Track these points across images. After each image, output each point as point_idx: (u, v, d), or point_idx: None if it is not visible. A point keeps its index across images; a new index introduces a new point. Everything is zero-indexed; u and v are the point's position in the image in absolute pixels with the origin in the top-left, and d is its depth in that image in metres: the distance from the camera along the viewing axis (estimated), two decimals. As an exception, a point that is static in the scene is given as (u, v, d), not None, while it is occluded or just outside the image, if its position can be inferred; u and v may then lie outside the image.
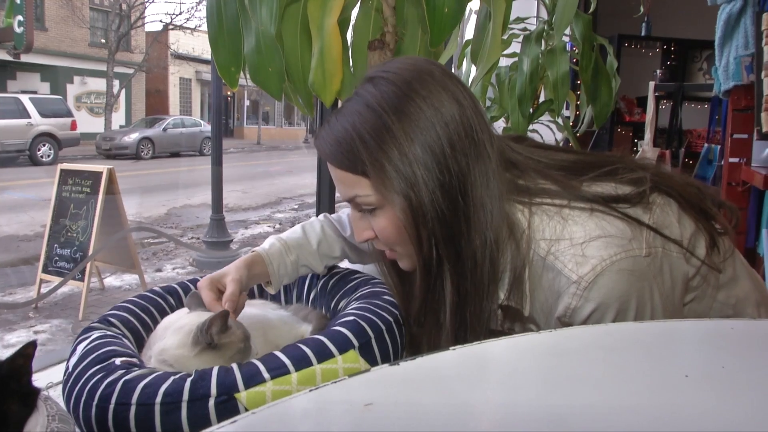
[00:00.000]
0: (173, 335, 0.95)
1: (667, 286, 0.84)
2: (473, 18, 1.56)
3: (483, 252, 0.86)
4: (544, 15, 2.52)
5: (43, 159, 13.37)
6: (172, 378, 0.81)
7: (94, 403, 0.80)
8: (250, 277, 1.06)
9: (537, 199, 0.87)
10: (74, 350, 0.93)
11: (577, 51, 2.18)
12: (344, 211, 1.21)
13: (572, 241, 0.82)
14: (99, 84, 20.64)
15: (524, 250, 0.86)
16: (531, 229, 0.86)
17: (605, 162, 0.93)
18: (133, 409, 0.78)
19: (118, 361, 0.87)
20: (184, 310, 1.08)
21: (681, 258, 0.86)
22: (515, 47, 2.29)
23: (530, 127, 2.34)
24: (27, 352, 0.69)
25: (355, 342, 0.90)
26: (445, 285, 0.88)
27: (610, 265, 0.79)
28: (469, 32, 1.82)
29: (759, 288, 0.98)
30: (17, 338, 3.55)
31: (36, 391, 0.72)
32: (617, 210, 0.84)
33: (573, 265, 0.81)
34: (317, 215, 1.25)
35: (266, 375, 0.81)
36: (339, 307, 1.14)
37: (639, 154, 3.80)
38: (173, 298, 1.16)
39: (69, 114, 14.64)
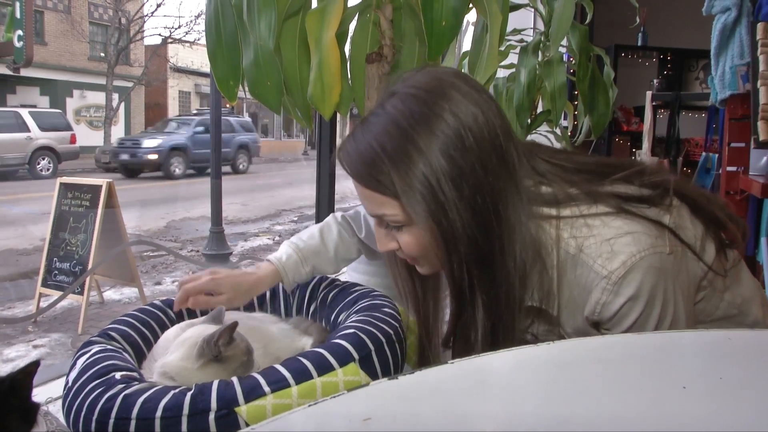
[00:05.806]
0: (176, 348, 0.95)
1: (685, 286, 0.86)
2: (470, 30, 1.57)
3: (515, 274, 0.84)
4: (541, 26, 2.53)
5: (43, 173, 13.36)
6: (172, 392, 0.81)
7: (94, 417, 0.80)
8: (254, 288, 1.14)
9: (564, 211, 0.86)
10: (74, 364, 0.93)
11: (574, 62, 2.19)
12: (362, 207, 1.21)
13: (601, 238, 0.82)
14: (98, 97, 20.66)
15: (551, 266, 0.85)
16: (559, 239, 0.85)
17: (627, 165, 0.94)
18: (133, 423, 0.78)
19: (118, 375, 0.87)
20: (184, 323, 1.08)
21: (694, 258, 0.88)
22: (512, 58, 2.30)
23: (528, 137, 2.35)
24: (29, 369, 0.70)
25: (356, 355, 0.90)
26: (476, 310, 0.87)
27: (639, 260, 0.80)
28: (467, 44, 1.82)
29: (760, 291, 1.01)
30: (16, 353, 3.53)
31: (36, 407, 0.72)
32: (642, 211, 0.85)
33: (602, 261, 0.81)
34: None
35: (266, 388, 0.81)
36: (339, 320, 1.14)
37: (637, 163, 3.80)
38: (173, 311, 1.16)
39: (68, 128, 14.63)
